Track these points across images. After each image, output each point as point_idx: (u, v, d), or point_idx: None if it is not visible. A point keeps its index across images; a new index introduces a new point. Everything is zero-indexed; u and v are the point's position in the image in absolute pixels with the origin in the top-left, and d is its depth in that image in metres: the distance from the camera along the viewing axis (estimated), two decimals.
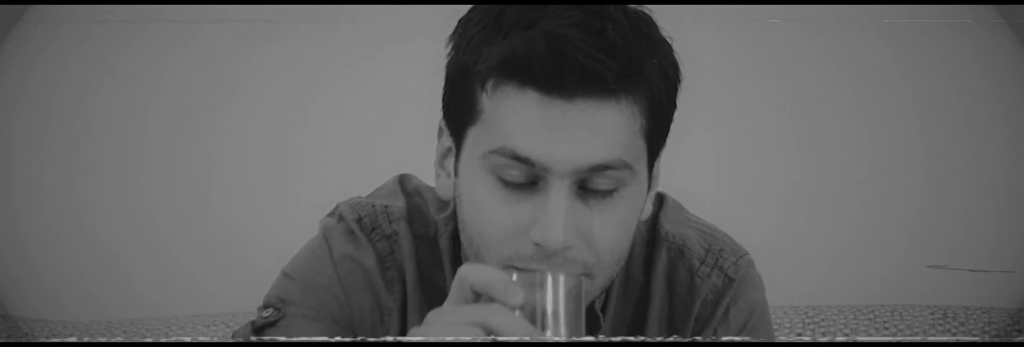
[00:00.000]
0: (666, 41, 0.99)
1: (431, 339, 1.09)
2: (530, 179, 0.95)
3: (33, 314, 2.24)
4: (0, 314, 2.21)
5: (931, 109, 2.25)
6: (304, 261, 1.14)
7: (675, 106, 1.01)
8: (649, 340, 1.11)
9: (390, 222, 1.11)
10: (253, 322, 1.12)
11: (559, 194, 0.93)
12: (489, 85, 0.94)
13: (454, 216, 1.06)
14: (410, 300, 1.10)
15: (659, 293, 1.11)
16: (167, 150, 2.29)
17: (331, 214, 1.17)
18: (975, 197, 2.26)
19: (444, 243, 1.09)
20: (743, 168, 2.26)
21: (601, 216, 0.96)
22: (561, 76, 0.90)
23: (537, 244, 0.94)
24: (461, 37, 0.97)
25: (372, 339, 1.12)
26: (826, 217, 2.26)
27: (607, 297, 1.10)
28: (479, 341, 1.09)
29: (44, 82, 2.29)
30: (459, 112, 0.98)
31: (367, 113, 2.26)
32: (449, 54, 0.98)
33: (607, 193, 0.96)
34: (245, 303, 2.18)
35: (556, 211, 0.93)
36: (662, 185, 1.19)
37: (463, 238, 1.01)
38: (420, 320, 1.08)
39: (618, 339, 1.12)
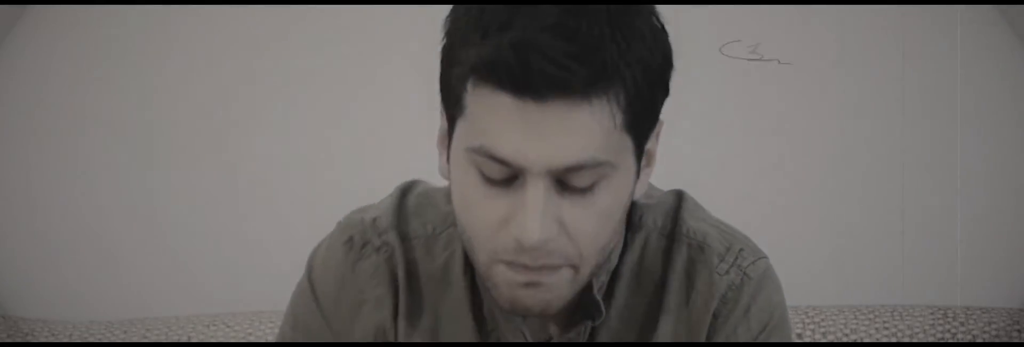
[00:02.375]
0: (656, 30, 0.98)
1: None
2: (509, 175, 0.96)
3: (33, 314, 2.24)
4: (0, 314, 2.21)
5: (933, 108, 2.25)
6: (293, 302, 1.19)
7: (666, 91, 1.00)
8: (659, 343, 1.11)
9: (379, 234, 1.14)
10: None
11: (536, 191, 0.95)
12: (468, 84, 0.95)
13: None
14: (401, 301, 1.13)
15: (676, 287, 1.12)
16: (167, 150, 2.29)
17: (325, 241, 1.20)
18: (976, 197, 2.26)
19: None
20: (742, 166, 2.26)
21: (581, 209, 0.97)
22: (529, 83, 0.92)
23: (517, 240, 0.96)
24: (451, 27, 0.99)
25: (372, 341, 1.12)
26: (826, 217, 2.26)
27: (613, 285, 1.11)
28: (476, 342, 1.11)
29: (42, 81, 2.29)
30: (450, 101, 1.00)
31: (370, 113, 2.26)
32: (442, 40, 1.00)
33: (586, 188, 0.97)
34: (245, 303, 2.19)
35: (532, 208, 0.95)
36: (659, 182, 1.19)
37: (459, 227, 1.04)
38: (417, 324, 1.12)
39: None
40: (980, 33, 2.24)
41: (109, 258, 2.30)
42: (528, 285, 0.99)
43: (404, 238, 1.13)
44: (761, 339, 1.12)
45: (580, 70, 0.91)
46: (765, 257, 1.15)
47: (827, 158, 2.27)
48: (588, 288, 1.07)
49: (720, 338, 1.11)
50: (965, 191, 2.26)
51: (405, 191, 1.17)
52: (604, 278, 1.10)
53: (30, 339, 2.13)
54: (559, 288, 1.00)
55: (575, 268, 1.00)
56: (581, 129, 0.94)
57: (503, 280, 1.00)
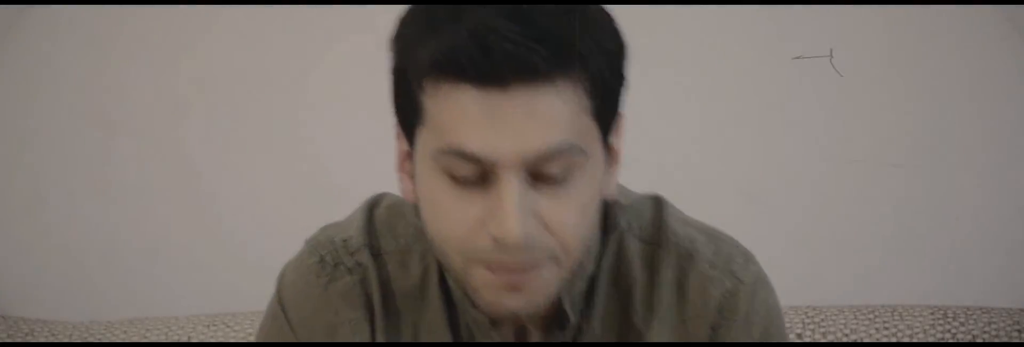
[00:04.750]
0: (605, 15, 0.96)
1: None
2: (481, 174, 0.93)
3: (33, 314, 2.24)
4: (0, 314, 2.21)
5: (934, 107, 2.25)
6: (265, 324, 1.17)
7: (623, 78, 0.97)
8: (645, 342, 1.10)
9: (351, 254, 1.12)
10: None
11: (510, 186, 0.92)
12: (426, 84, 0.93)
13: None
14: (378, 322, 1.11)
15: (667, 299, 1.09)
16: (166, 150, 2.29)
17: (289, 261, 1.17)
18: (977, 196, 2.26)
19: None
20: (741, 166, 2.26)
21: (557, 202, 0.95)
22: (491, 67, 0.89)
23: (496, 239, 0.93)
24: (397, 39, 0.96)
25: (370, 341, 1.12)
26: (826, 216, 2.26)
27: (592, 292, 1.10)
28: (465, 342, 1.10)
29: (42, 80, 2.29)
30: (406, 114, 0.97)
31: (366, 112, 2.26)
32: (392, 56, 0.97)
33: (561, 178, 0.94)
34: (245, 303, 2.19)
35: (509, 204, 0.92)
36: (657, 185, 1.18)
37: (429, 238, 1.01)
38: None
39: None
40: (981, 33, 2.24)
41: (109, 258, 2.30)
42: (511, 288, 0.97)
43: (376, 254, 1.12)
44: (762, 340, 1.10)
45: (541, 50, 0.89)
46: (752, 257, 1.13)
47: (828, 158, 2.27)
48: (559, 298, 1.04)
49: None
50: (966, 191, 2.26)
51: (373, 205, 1.16)
52: (581, 285, 1.08)
53: (30, 339, 2.13)
54: (545, 287, 0.98)
55: (557, 261, 0.97)
56: (549, 113, 0.91)
57: (483, 283, 0.98)
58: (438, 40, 0.91)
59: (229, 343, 2.11)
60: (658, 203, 1.14)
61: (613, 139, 1.01)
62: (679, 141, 2.24)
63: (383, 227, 1.13)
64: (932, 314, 2.12)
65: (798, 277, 2.24)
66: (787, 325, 2.11)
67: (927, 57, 2.25)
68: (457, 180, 0.95)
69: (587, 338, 1.09)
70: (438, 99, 0.92)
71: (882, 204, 2.26)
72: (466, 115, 0.91)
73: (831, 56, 2.19)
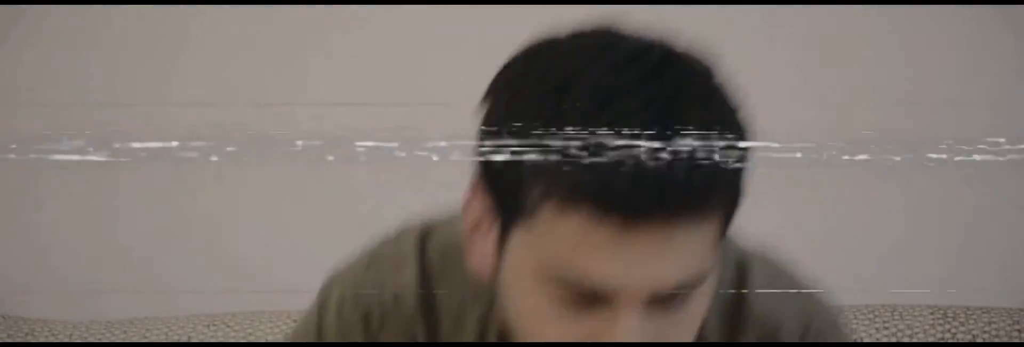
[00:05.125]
0: (735, 95, 0.87)
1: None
2: (595, 296, 0.83)
3: (33, 314, 2.24)
4: (0, 314, 2.21)
5: (933, 107, 2.25)
6: None
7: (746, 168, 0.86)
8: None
9: (401, 314, 1.00)
10: None
11: (629, 317, 0.82)
12: (549, 199, 0.81)
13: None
14: None
15: None
16: (165, 149, 2.29)
17: (328, 299, 1.04)
18: (975, 196, 2.26)
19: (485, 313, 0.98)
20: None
21: (677, 326, 0.85)
22: (634, 205, 0.78)
23: None
24: (515, 113, 0.82)
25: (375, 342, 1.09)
26: (826, 216, 2.26)
27: None
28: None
29: (42, 80, 2.29)
30: (507, 201, 0.84)
31: (375, 118, 2.26)
32: (487, 106, 0.84)
33: (681, 301, 0.84)
34: (245, 303, 2.19)
35: (625, 335, 0.82)
36: None
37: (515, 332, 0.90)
38: None
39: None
40: (982, 33, 2.24)
41: (109, 258, 2.30)
42: None
43: (429, 312, 1.00)
44: None
45: (691, 186, 0.79)
46: (843, 324, 1.04)
47: (828, 157, 2.26)
48: None
49: None
50: (966, 191, 2.26)
51: (423, 242, 1.01)
52: None
53: (30, 339, 2.13)
54: None
55: None
56: (685, 247, 0.81)
57: None
58: (574, 166, 0.79)
59: (229, 343, 2.11)
60: (741, 272, 1.01)
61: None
62: None
63: (438, 275, 1.00)
64: (932, 314, 2.12)
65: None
66: None
67: (927, 57, 2.25)
68: (564, 298, 0.84)
69: None
70: (561, 219, 0.80)
71: (883, 204, 2.26)
72: (592, 246, 0.80)
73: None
